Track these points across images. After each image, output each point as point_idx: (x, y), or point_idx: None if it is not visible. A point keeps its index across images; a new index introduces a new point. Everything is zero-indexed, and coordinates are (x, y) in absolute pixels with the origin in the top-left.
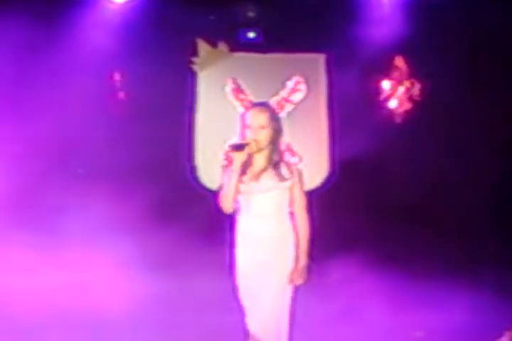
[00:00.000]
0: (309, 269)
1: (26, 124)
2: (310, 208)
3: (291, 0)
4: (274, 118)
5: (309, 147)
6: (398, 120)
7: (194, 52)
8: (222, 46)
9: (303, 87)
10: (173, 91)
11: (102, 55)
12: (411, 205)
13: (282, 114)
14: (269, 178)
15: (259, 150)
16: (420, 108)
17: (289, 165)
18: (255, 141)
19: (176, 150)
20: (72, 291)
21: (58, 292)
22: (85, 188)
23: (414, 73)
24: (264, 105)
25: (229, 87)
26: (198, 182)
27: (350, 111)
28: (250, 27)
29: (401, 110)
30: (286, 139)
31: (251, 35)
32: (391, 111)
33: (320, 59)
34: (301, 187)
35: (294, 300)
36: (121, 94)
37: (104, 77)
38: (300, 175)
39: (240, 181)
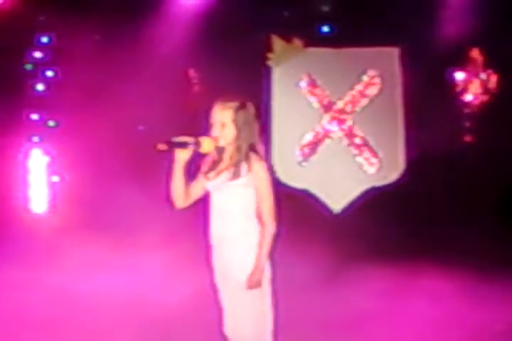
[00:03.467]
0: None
1: (107, 119)
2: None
3: None
4: (240, 115)
5: (386, 141)
6: (474, 112)
7: (269, 48)
8: (297, 41)
9: (378, 80)
10: (248, 87)
11: (179, 52)
12: (489, 202)
13: (359, 109)
14: (224, 176)
15: (219, 147)
16: (497, 100)
17: (250, 165)
18: (212, 138)
19: None
20: (151, 289)
21: (137, 289)
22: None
23: (490, 65)
24: (231, 101)
25: (304, 82)
26: (276, 180)
27: (425, 105)
28: (325, 22)
29: (477, 102)
30: (361, 134)
31: (325, 29)
32: (467, 104)
33: (394, 52)
34: (267, 186)
35: (276, 302)
36: (197, 90)
37: (180, 73)
38: (261, 172)
39: (206, 178)
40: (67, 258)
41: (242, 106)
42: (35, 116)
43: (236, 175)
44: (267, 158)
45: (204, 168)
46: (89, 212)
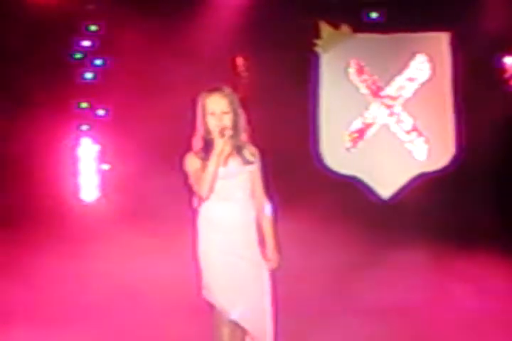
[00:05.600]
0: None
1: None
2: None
3: None
4: (235, 102)
5: (435, 127)
6: None
7: (317, 34)
8: (345, 27)
9: (427, 66)
10: (297, 74)
11: (227, 40)
12: None
13: (408, 94)
14: (235, 162)
15: (227, 134)
16: None
17: (251, 149)
18: (220, 126)
19: (301, 133)
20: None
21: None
22: None
23: None
24: (223, 90)
25: (352, 68)
26: (324, 166)
27: (475, 90)
28: (373, 7)
29: None
30: (410, 120)
31: (374, 15)
32: None
33: (444, 37)
34: (260, 169)
35: (274, 283)
36: (246, 79)
37: (228, 60)
38: (258, 157)
39: (206, 166)
40: (116, 246)
41: (233, 93)
42: (84, 105)
43: (246, 161)
44: (315, 144)
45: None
46: (138, 200)
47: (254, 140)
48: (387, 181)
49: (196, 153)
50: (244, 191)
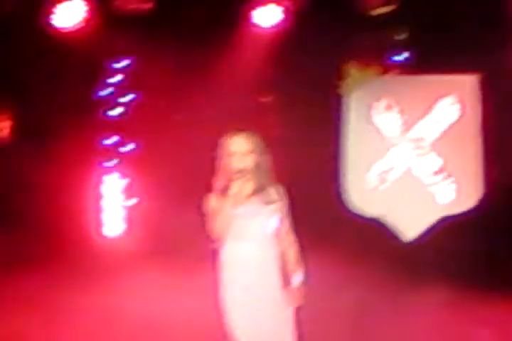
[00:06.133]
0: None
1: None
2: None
3: (442, 21)
4: (258, 143)
5: (463, 168)
6: None
7: (344, 75)
8: (372, 68)
9: (455, 108)
10: (323, 114)
11: (253, 77)
12: None
13: (434, 136)
14: (256, 202)
15: (245, 176)
16: None
17: (276, 189)
18: (244, 167)
19: (326, 173)
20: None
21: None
22: None
23: None
24: (245, 132)
25: (379, 109)
26: (346, 205)
27: (504, 132)
28: (401, 49)
29: None
30: (436, 162)
31: (402, 56)
32: None
33: (473, 79)
34: (286, 209)
35: (298, 322)
36: (272, 117)
37: (254, 99)
38: (284, 197)
39: (236, 203)
40: (138, 282)
41: (257, 136)
42: (111, 140)
43: (268, 200)
44: (338, 184)
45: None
46: (161, 236)
47: (278, 179)
48: (410, 223)
49: (216, 194)
50: (266, 230)
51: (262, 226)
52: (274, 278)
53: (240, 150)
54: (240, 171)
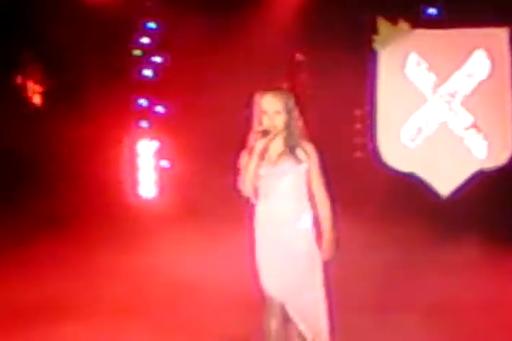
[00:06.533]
0: None
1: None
2: None
3: None
4: (289, 103)
5: (494, 124)
6: None
7: (375, 30)
8: (403, 23)
9: (486, 62)
10: (355, 70)
11: (284, 37)
12: None
13: (467, 91)
14: (286, 162)
15: (276, 135)
16: None
17: (304, 149)
18: (273, 126)
19: (359, 130)
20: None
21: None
22: None
23: None
24: (278, 90)
25: (410, 64)
26: (382, 161)
27: None
28: (431, 3)
29: None
30: (469, 116)
31: (432, 11)
32: None
33: (503, 33)
34: (317, 167)
35: (327, 276)
36: (303, 76)
37: (285, 58)
38: (314, 155)
39: (259, 165)
40: (173, 243)
41: (290, 95)
42: (143, 102)
43: (298, 160)
44: (372, 140)
45: (256, 153)
46: (195, 197)
47: (311, 138)
48: (445, 178)
49: (247, 151)
50: (298, 189)
51: (293, 185)
52: (306, 236)
53: (270, 108)
54: (266, 130)
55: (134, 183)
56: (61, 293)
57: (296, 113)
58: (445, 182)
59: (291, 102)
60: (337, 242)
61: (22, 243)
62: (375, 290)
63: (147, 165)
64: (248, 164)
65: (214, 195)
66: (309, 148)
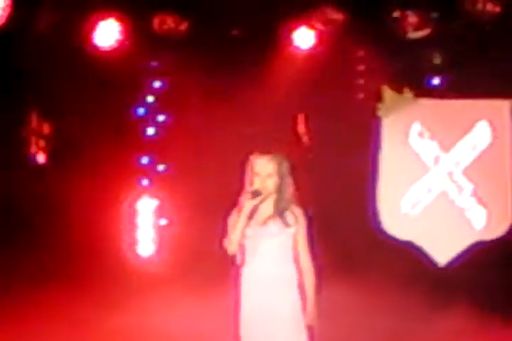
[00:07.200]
0: None
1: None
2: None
3: (475, 46)
4: (282, 166)
5: (494, 194)
6: None
7: (379, 98)
8: (408, 92)
9: (488, 132)
10: (358, 137)
11: (286, 99)
12: None
13: (468, 161)
14: (275, 224)
15: (267, 197)
16: None
17: (294, 213)
18: (265, 188)
19: (360, 197)
20: None
21: None
22: None
23: None
24: (272, 153)
25: (413, 133)
26: (380, 228)
27: None
28: (436, 73)
29: None
30: (469, 187)
31: (436, 81)
32: None
33: (506, 105)
34: (305, 232)
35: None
36: (305, 138)
37: (289, 118)
38: (303, 220)
39: (247, 225)
40: (164, 303)
41: (284, 159)
42: (145, 160)
43: (286, 223)
44: (373, 208)
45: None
46: (192, 256)
47: (310, 202)
48: (443, 247)
49: (237, 211)
50: (284, 252)
51: (280, 247)
52: (290, 299)
53: (263, 171)
54: (257, 191)
55: (133, 241)
56: None
57: (289, 177)
58: (443, 252)
59: (285, 166)
60: (319, 308)
61: (14, 298)
62: None
63: (146, 224)
64: (236, 223)
65: (210, 255)
66: (299, 212)
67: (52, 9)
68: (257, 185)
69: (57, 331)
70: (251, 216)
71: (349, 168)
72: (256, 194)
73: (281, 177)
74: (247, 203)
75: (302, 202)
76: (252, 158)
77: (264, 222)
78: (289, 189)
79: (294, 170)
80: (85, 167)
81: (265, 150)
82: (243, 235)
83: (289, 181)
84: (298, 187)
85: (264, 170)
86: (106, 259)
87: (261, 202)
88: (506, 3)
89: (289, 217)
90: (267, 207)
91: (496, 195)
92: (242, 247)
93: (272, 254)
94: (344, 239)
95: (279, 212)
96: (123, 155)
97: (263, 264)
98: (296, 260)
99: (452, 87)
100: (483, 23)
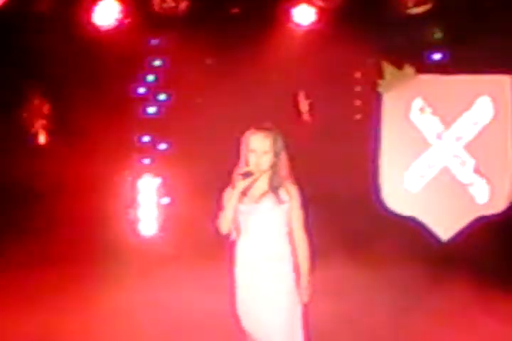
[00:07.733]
0: None
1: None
2: None
3: (478, 21)
4: (277, 143)
5: (496, 169)
6: None
7: (380, 74)
8: (408, 68)
9: (490, 108)
10: (358, 114)
11: (289, 75)
12: None
13: (470, 136)
14: (269, 201)
15: (261, 173)
16: None
17: (287, 189)
18: (257, 165)
19: (361, 172)
20: None
21: None
22: None
23: None
24: (267, 130)
25: (414, 109)
26: (382, 205)
27: None
28: (436, 49)
29: None
30: (471, 162)
31: (437, 56)
32: None
33: (507, 80)
34: (298, 208)
35: (306, 318)
36: (306, 115)
37: (288, 97)
38: (297, 197)
39: (240, 202)
40: (171, 281)
41: (279, 135)
42: (146, 139)
43: (280, 200)
44: (376, 185)
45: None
46: (196, 235)
47: (312, 179)
48: (446, 223)
49: (231, 188)
50: (278, 228)
51: (274, 224)
52: (284, 275)
53: (259, 148)
54: (249, 172)
55: (135, 220)
56: (59, 329)
57: (283, 154)
58: (446, 227)
59: (280, 142)
60: (321, 283)
61: (19, 278)
62: (368, 334)
63: (148, 203)
64: (229, 201)
65: (212, 233)
66: (293, 189)
67: None
68: (252, 161)
69: (60, 309)
70: (244, 192)
71: (350, 144)
72: (247, 175)
73: (276, 153)
74: (238, 184)
75: (303, 178)
76: (247, 134)
77: (258, 199)
78: (284, 166)
79: (294, 148)
80: (86, 146)
81: (261, 126)
82: (237, 211)
83: (283, 157)
84: (298, 164)
85: (260, 147)
86: (108, 238)
87: (255, 180)
88: None
89: (282, 193)
90: (262, 184)
91: (498, 170)
92: (236, 223)
93: (265, 230)
94: (347, 215)
95: (273, 189)
96: (124, 134)
97: (257, 240)
98: (291, 236)
99: (453, 63)
100: None
